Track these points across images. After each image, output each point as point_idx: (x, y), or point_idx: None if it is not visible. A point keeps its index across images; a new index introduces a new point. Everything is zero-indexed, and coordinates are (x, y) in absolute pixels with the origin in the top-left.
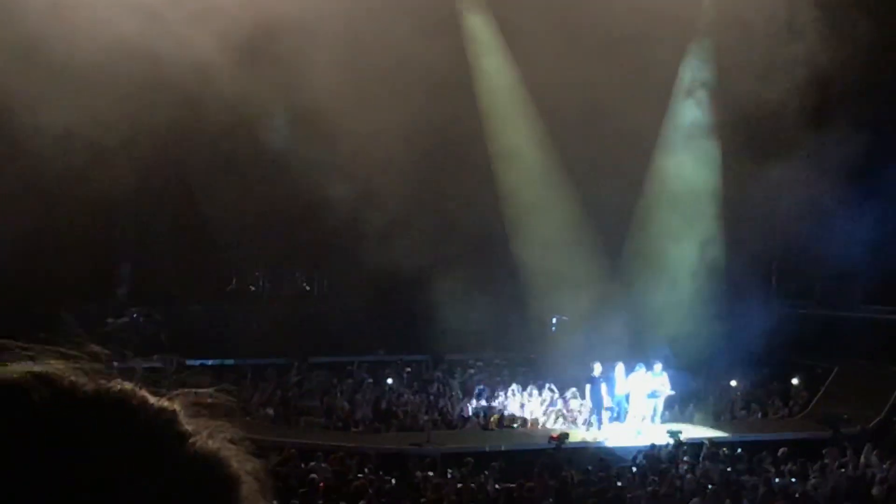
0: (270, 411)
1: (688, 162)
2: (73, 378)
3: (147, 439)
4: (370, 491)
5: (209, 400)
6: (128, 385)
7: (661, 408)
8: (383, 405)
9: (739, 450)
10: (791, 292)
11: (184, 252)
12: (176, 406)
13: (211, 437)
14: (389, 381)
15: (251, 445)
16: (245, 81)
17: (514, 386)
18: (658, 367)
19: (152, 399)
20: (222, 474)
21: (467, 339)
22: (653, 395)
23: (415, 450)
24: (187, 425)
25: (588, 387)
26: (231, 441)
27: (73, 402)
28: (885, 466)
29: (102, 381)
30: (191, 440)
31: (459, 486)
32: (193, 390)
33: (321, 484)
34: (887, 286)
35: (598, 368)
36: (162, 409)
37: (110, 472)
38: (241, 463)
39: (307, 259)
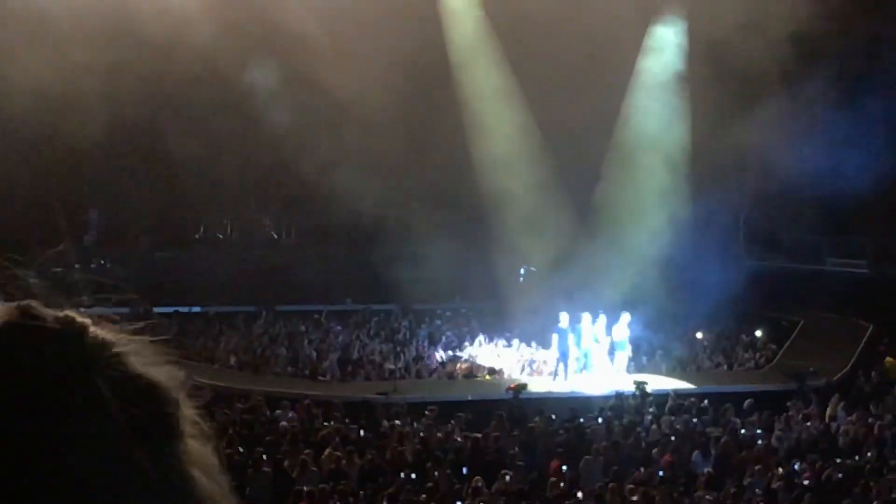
0: (234, 360)
1: (657, 114)
2: (26, 302)
3: (86, 356)
4: (337, 439)
5: (147, 343)
6: (73, 312)
7: (626, 359)
8: (351, 354)
9: (705, 401)
10: (758, 245)
11: (152, 200)
12: (115, 337)
13: (150, 369)
14: (357, 330)
15: (190, 386)
16: (218, 30)
17: (481, 336)
18: (625, 317)
19: (93, 327)
20: (162, 393)
21: (435, 289)
22: (620, 346)
23: (381, 399)
24: (127, 353)
25: (555, 337)
26: (169, 377)
27: (28, 323)
28: (849, 418)
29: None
30: (130, 362)
31: (423, 434)
32: (133, 329)
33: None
34: (853, 239)
35: (564, 319)
36: (100, 335)
37: (48, 392)
38: (179, 395)
39: (276, 208)
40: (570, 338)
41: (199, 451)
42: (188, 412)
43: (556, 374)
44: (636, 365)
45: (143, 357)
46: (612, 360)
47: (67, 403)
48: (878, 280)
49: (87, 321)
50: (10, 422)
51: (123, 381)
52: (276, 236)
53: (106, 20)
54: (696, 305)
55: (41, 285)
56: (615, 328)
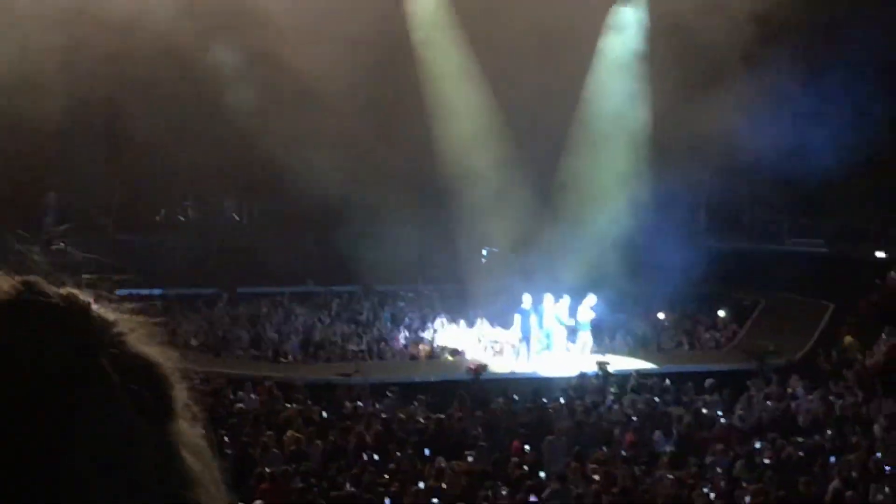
0: (194, 342)
1: (619, 94)
2: (30, 278)
3: (91, 333)
4: (299, 421)
5: (143, 325)
6: (75, 290)
7: (589, 339)
8: (313, 336)
9: (667, 381)
10: (720, 226)
11: (112, 182)
12: (114, 316)
13: (147, 346)
14: (319, 312)
15: (181, 369)
16: (180, 10)
17: (443, 317)
18: (590, 298)
19: (95, 305)
20: (159, 371)
21: (398, 270)
22: (584, 326)
23: (344, 380)
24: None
25: (517, 318)
26: (164, 357)
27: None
28: (809, 397)
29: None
30: (129, 341)
31: (385, 416)
32: (127, 311)
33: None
34: (813, 219)
35: (527, 300)
36: (102, 314)
37: (51, 367)
38: (173, 375)
39: (238, 190)
40: (533, 319)
41: (190, 432)
42: (181, 394)
43: (517, 354)
44: (599, 345)
45: (139, 337)
46: (574, 340)
47: (74, 382)
48: (838, 260)
49: (90, 299)
50: (16, 399)
51: (126, 360)
52: (237, 218)
53: None
54: (657, 286)
55: (40, 262)
56: (580, 309)
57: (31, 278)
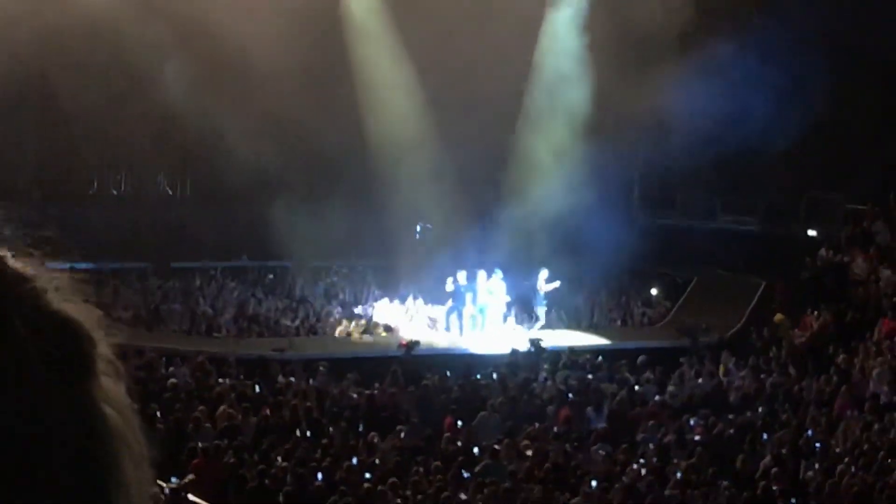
0: (127, 317)
1: (558, 70)
2: None
3: (10, 290)
4: (232, 396)
5: (65, 283)
6: None
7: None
8: (246, 311)
9: (600, 358)
10: (653, 204)
11: (44, 154)
12: (33, 272)
13: (69, 303)
14: (252, 287)
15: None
16: None
17: (376, 293)
18: (544, 272)
19: (11, 260)
20: (80, 329)
21: (331, 245)
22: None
23: (276, 356)
24: (48, 289)
25: (451, 293)
26: (85, 315)
27: None
28: (741, 374)
29: None
30: (48, 297)
31: (317, 391)
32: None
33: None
34: (745, 197)
35: (461, 276)
36: (19, 269)
37: None
38: (95, 332)
39: (170, 163)
40: (468, 296)
41: (112, 389)
42: (104, 351)
43: (450, 330)
44: (532, 322)
45: (61, 294)
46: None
47: None
48: (771, 238)
49: (4, 253)
50: None
51: (40, 316)
52: (170, 192)
53: None
54: (591, 262)
55: None
56: (539, 284)
57: None
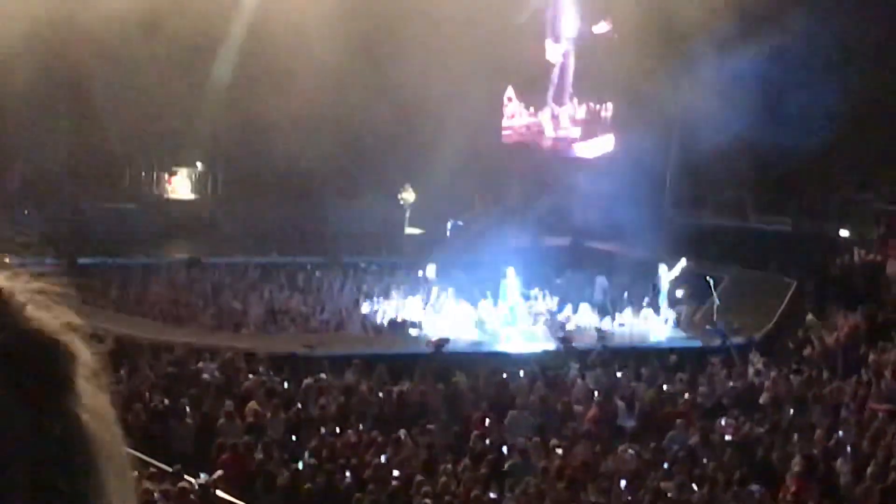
0: (158, 312)
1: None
2: None
3: None
4: (261, 392)
5: (51, 289)
6: None
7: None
8: (275, 307)
9: (630, 357)
10: (684, 202)
11: (79, 151)
12: (10, 284)
13: (48, 317)
14: (282, 283)
15: (90, 333)
16: None
17: (407, 290)
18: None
19: None
20: (57, 346)
21: (361, 242)
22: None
23: (306, 352)
24: (22, 300)
25: (487, 292)
26: (69, 325)
27: None
28: (771, 375)
29: None
30: (24, 311)
31: (347, 387)
32: (40, 277)
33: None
34: (777, 196)
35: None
36: None
37: None
38: (78, 345)
39: (203, 160)
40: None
41: (94, 401)
42: (86, 359)
43: (481, 327)
44: (564, 320)
45: (40, 303)
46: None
47: None
48: (803, 237)
49: (11, 284)
50: None
51: (13, 335)
52: (204, 189)
53: None
54: (622, 260)
55: None
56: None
57: None
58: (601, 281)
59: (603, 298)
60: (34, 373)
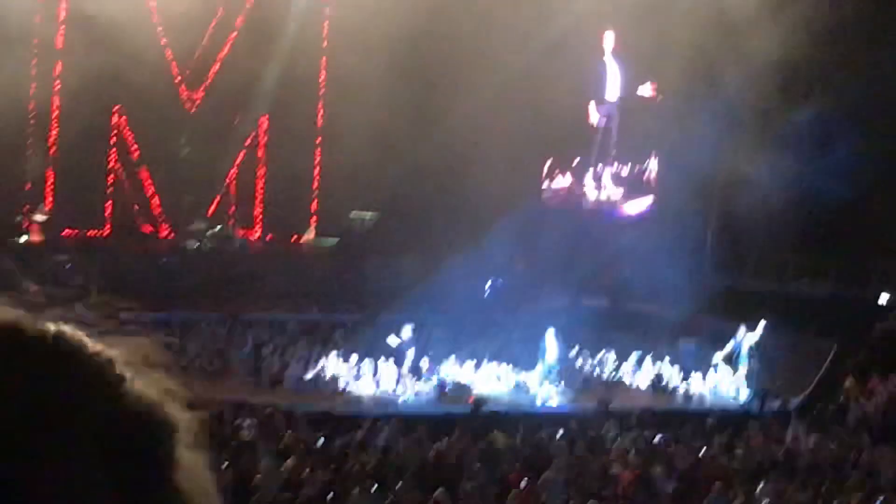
0: (197, 368)
1: None
2: (13, 317)
3: (82, 380)
4: (299, 449)
5: (148, 353)
6: (67, 327)
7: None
8: (314, 365)
9: (670, 419)
10: (724, 262)
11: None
12: (113, 353)
13: (149, 385)
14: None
15: (187, 398)
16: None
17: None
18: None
19: (90, 343)
20: (159, 419)
21: (401, 298)
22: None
23: (343, 409)
24: (125, 372)
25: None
26: (168, 392)
27: (12, 340)
28: (811, 439)
29: (41, 322)
30: (127, 384)
31: (385, 446)
32: (133, 339)
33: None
34: (818, 259)
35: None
36: (98, 353)
37: (45, 411)
38: (177, 412)
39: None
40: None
41: (193, 466)
42: (187, 425)
43: (521, 387)
44: (600, 380)
45: (141, 369)
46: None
47: (52, 436)
48: (844, 301)
49: (83, 336)
50: None
51: (119, 412)
52: (240, 245)
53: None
54: (660, 321)
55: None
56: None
57: (11, 316)
58: (687, 347)
59: (689, 362)
60: (135, 452)
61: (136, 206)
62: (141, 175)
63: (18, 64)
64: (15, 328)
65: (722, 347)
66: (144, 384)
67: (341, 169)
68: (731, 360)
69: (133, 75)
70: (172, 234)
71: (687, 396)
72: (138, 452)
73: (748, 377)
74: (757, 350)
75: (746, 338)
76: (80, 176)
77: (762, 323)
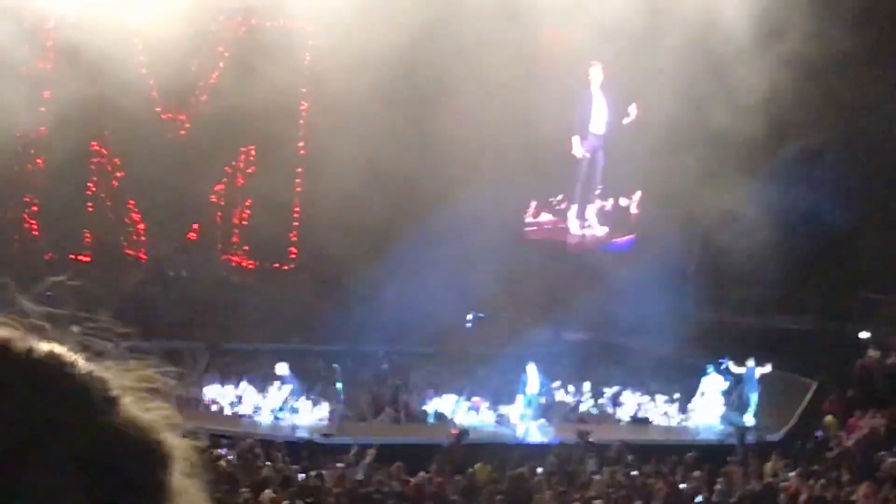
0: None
1: None
2: (5, 334)
3: (65, 400)
4: (278, 480)
5: (146, 379)
6: (59, 347)
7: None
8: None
9: (650, 453)
10: (706, 297)
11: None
12: (106, 374)
13: (144, 410)
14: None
15: (184, 427)
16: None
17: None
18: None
19: (81, 363)
20: (152, 444)
21: (383, 331)
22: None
23: (323, 440)
24: (119, 395)
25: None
26: (165, 418)
27: (4, 359)
28: (791, 475)
29: (35, 341)
30: (119, 408)
31: (363, 477)
32: (134, 364)
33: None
34: (799, 295)
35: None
36: (89, 374)
37: (36, 429)
38: (173, 439)
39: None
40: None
41: (187, 494)
42: (182, 454)
43: (500, 420)
44: (581, 413)
45: (138, 396)
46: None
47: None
48: (824, 337)
49: (76, 357)
50: None
51: (107, 431)
52: (224, 273)
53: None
54: (641, 356)
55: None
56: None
57: (4, 335)
58: (715, 380)
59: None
60: (126, 476)
61: (120, 235)
62: (124, 202)
63: (4, 92)
64: (1, 346)
65: (699, 382)
66: (140, 409)
67: (324, 199)
68: (739, 393)
69: (118, 103)
70: (154, 261)
71: (667, 430)
72: (130, 477)
73: (728, 411)
74: (737, 385)
75: (754, 371)
76: (63, 203)
77: (751, 359)
